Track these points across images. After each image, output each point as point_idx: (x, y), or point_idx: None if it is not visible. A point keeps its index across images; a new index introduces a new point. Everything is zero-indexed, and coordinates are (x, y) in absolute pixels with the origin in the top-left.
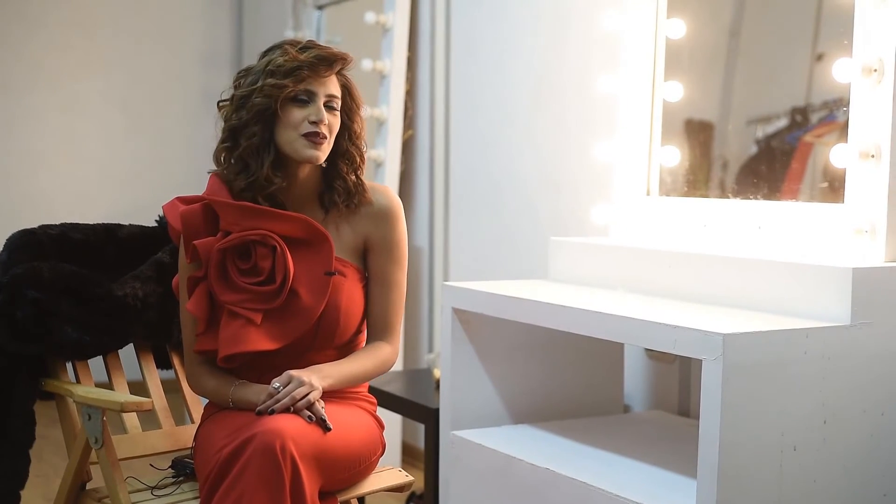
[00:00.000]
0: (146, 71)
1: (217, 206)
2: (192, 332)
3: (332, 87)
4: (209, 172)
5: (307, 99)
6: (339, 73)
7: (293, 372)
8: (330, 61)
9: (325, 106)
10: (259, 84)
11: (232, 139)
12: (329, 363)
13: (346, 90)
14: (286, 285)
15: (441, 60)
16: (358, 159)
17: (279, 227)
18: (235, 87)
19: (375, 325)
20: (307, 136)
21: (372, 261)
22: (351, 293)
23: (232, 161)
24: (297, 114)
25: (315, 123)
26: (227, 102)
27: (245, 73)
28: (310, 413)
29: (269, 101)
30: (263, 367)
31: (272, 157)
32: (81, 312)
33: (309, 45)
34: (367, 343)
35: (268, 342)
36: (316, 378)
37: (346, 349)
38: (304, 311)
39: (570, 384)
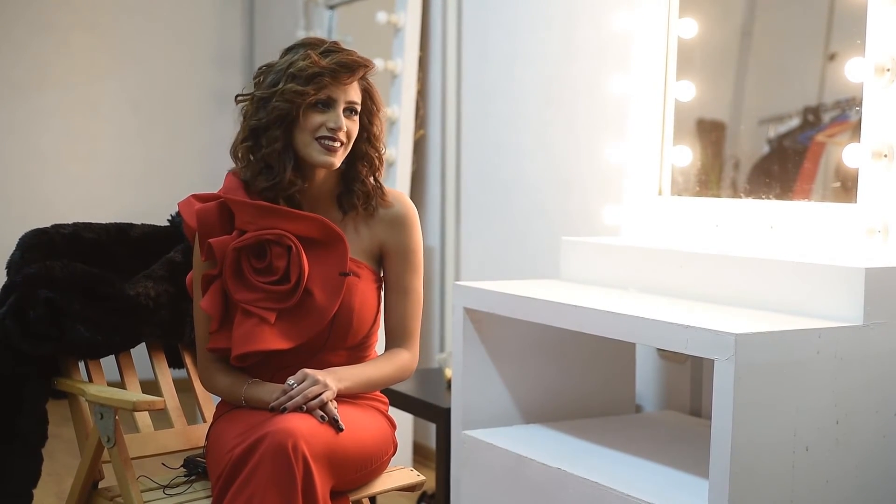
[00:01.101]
0: (158, 72)
1: (233, 205)
2: (205, 330)
3: (353, 93)
4: (229, 171)
5: (327, 105)
6: (360, 79)
7: (309, 371)
8: (352, 69)
9: (345, 111)
10: (280, 87)
11: (253, 139)
12: (347, 367)
13: (367, 94)
14: (301, 285)
15: (452, 60)
16: (377, 162)
17: (295, 226)
18: (256, 85)
19: (394, 333)
20: (323, 141)
21: (388, 268)
22: (364, 294)
23: (251, 159)
24: (316, 119)
25: (333, 130)
26: (247, 98)
27: (266, 69)
28: (322, 413)
29: (290, 107)
30: (276, 366)
31: (293, 160)
32: (94, 312)
33: (331, 49)
34: (386, 350)
35: (281, 341)
36: (332, 379)
37: (358, 350)
38: (318, 311)
39: (582, 384)
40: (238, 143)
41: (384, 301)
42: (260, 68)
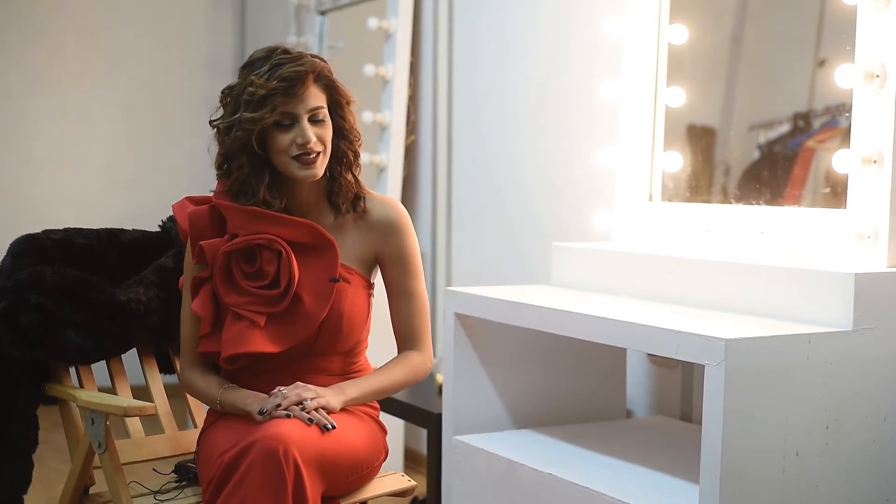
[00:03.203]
0: (149, 77)
1: (224, 210)
2: (190, 331)
3: (313, 98)
4: (211, 191)
5: (290, 122)
6: (317, 79)
7: (301, 384)
8: (299, 79)
9: (310, 120)
10: (237, 116)
11: (226, 166)
12: (354, 380)
13: (330, 91)
14: (291, 290)
15: (444, 66)
16: (351, 155)
17: (285, 231)
18: (224, 107)
19: (403, 336)
20: (299, 158)
21: (388, 275)
22: (354, 300)
23: (229, 182)
24: (284, 138)
25: (302, 146)
26: (215, 126)
27: (228, 92)
28: (310, 417)
29: (249, 135)
30: (264, 369)
31: (268, 180)
32: (85, 317)
33: (276, 63)
34: (398, 354)
35: (270, 345)
36: (333, 393)
37: (348, 356)
38: (307, 317)
39: (573, 389)
40: (216, 169)
41: (389, 309)
42: (223, 90)
